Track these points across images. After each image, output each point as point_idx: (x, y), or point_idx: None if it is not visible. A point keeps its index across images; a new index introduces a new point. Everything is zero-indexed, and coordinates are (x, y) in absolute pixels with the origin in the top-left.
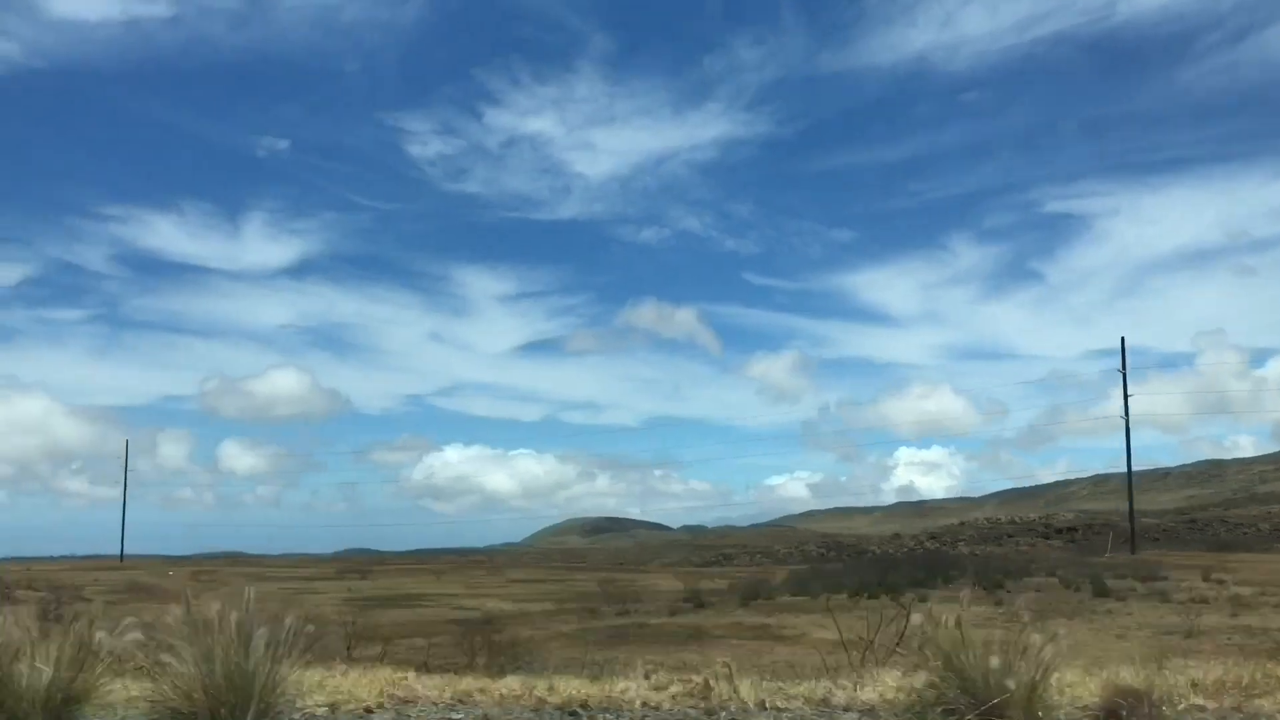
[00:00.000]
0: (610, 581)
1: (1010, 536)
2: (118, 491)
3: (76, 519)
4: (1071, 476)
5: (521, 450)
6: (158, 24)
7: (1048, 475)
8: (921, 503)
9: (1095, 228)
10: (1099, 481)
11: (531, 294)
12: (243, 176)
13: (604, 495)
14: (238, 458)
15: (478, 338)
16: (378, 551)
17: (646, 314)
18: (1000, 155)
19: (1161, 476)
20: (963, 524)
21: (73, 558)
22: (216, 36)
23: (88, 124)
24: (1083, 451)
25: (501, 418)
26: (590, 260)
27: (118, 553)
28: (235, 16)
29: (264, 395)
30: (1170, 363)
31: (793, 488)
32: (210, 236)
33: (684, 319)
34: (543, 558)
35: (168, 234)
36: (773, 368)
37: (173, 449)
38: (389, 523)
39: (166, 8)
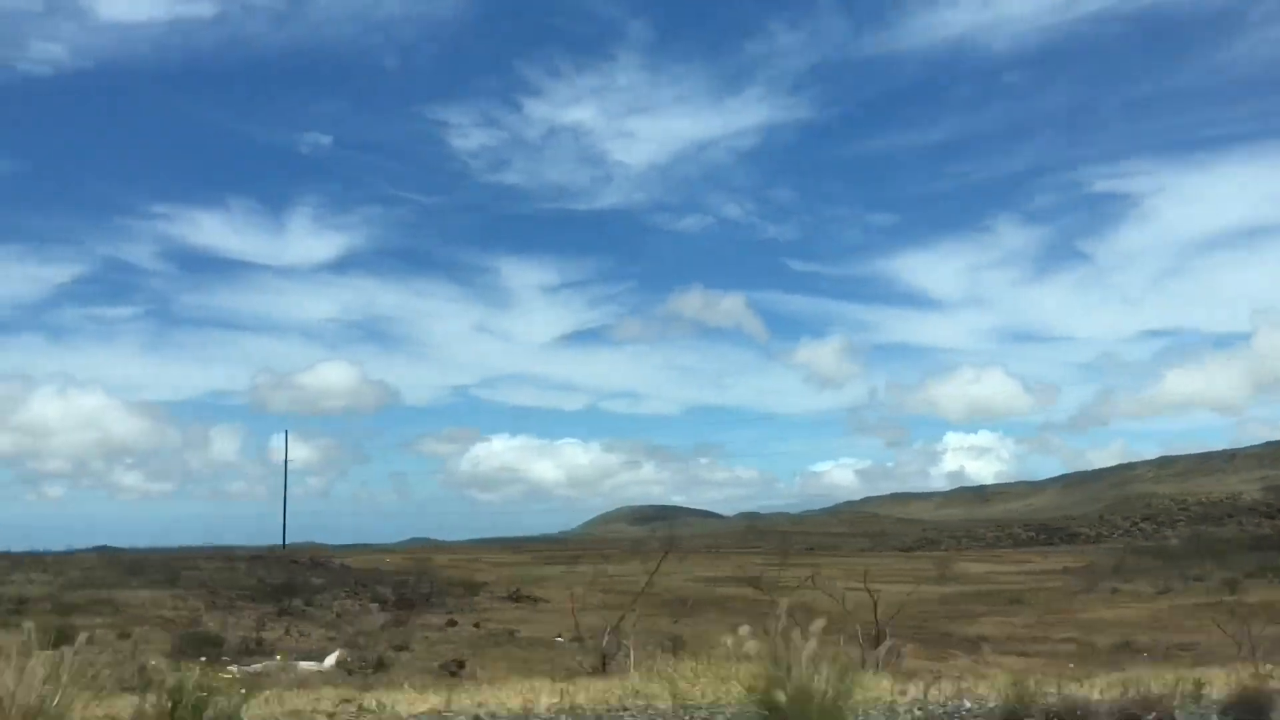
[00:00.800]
0: (945, 565)
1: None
2: (169, 485)
3: (130, 513)
4: (1136, 459)
5: (566, 440)
6: (200, 24)
7: (1099, 458)
8: (982, 488)
9: (1142, 207)
10: (1164, 464)
11: (573, 284)
12: (287, 173)
13: (649, 483)
14: (289, 451)
15: (520, 328)
16: (439, 541)
17: (688, 302)
18: (1044, 135)
19: (1230, 458)
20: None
21: (138, 550)
22: (258, 35)
23: (134, 123)
24: (1134, 434)
25: (545, 407)
26: (631, 249)
27: (180, 544)
28: (276, 15)
29: (313, 388)
30: (1223, 343)
31: (839, 474)
32: (256, 232)
33: (725, 306)
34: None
35: (214, 231)
36: (815, 354)
37: (224, 443)
38: (448, 512)
39: (209, 7)
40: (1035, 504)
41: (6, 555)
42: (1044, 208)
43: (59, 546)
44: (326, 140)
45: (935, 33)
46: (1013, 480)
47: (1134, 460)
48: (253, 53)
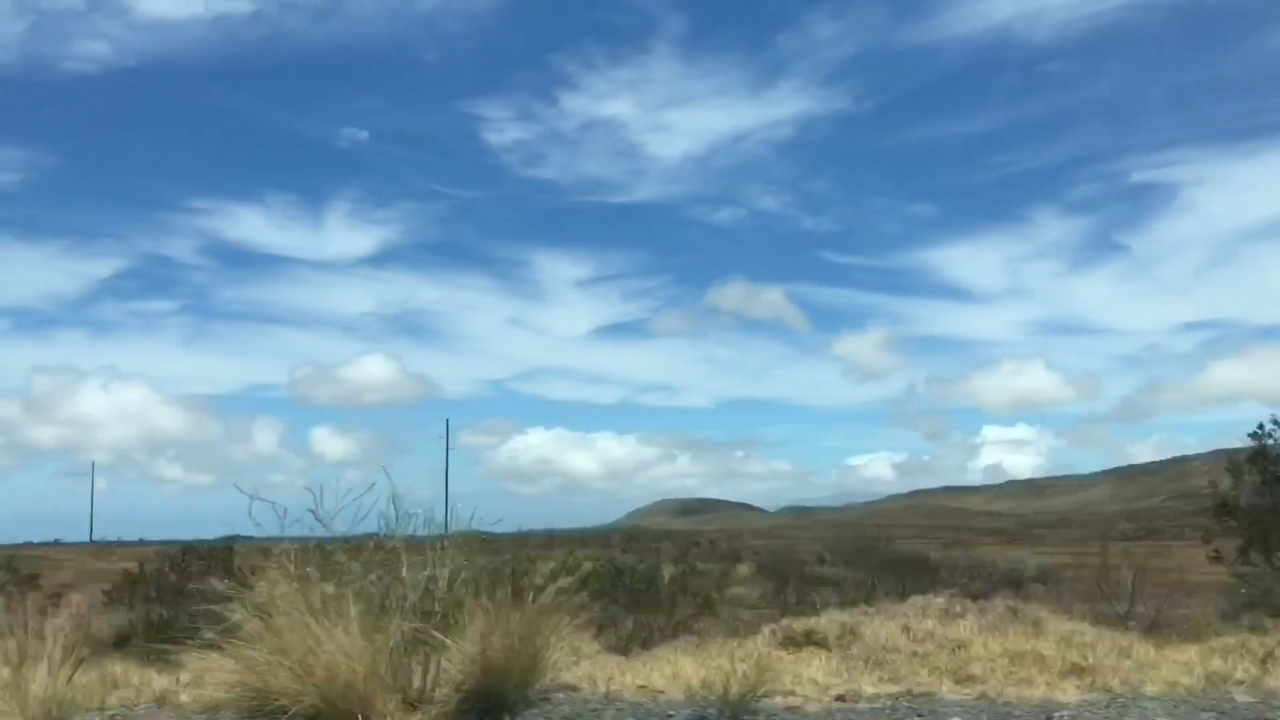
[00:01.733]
0: None
1: None
2: (209, 478)
3: (174, 504)
4: (1182, 453)
5: (602, 433)
6: (240, 20)
7: (1141, 452)
8: (1033, 481)
9: (1183, 197)
10: (1221, 457)
11: (607, 277)
12: (325, 167)
13: (684, 476)
14: (328, 443)
15: (555, 322)
16: (486, 534)
17: (723, 295)
18: (1084, 125)
19: None
20: None
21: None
22: (298, 30)
23: (176, 120)
24: (1177, 426)
25: (580, 401)
26: (666, 242)
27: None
28: (315, 10)
29: (352, 382)
30: (1269, 334)
31: (877, 468)
32: (294, 227)
33: (761, 299)
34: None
35: (253, 225)
36: (851, 346)
37: (266, 436)
38: (490, 506)
39: (249, 4)
40: (1089, 498)
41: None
42: (1085, 198)
43: (110, 537)
44: (364, 135)
45: (976, 22)
46: (1058, 474)
47: (1185, 454)
48: (291, 49)
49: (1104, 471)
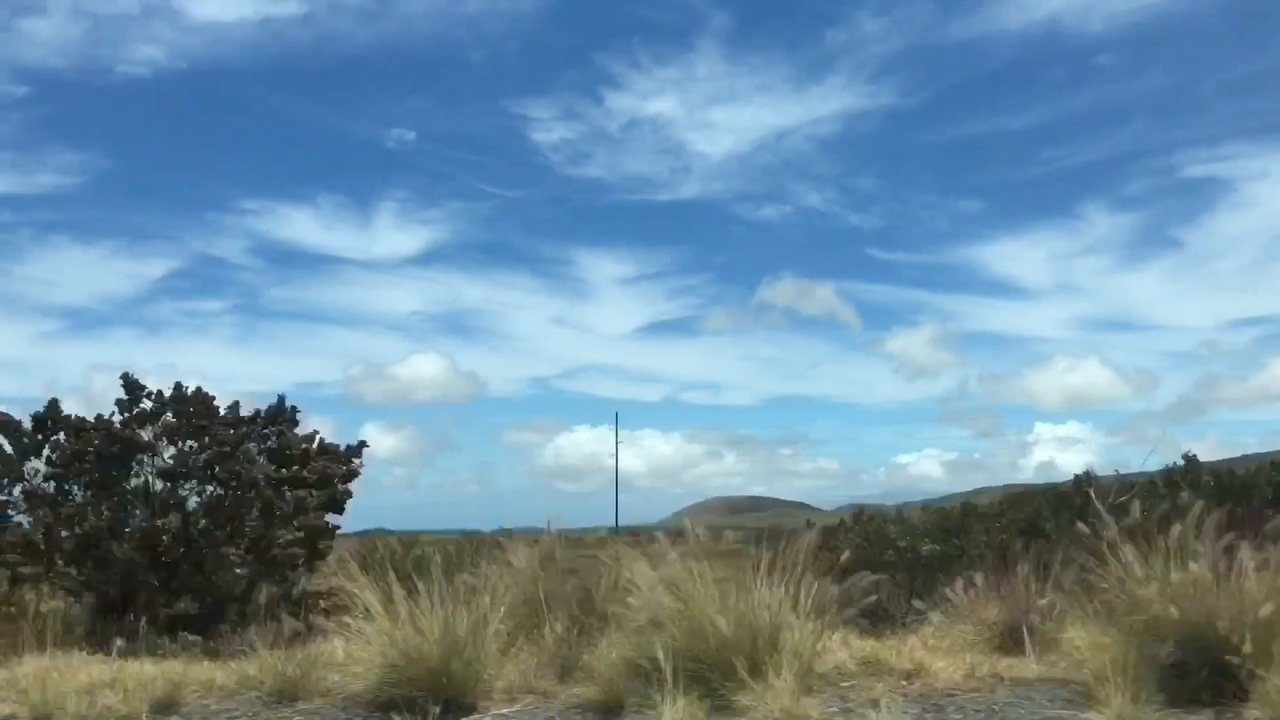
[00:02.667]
0: None
1: None
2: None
3: None
4: (1250, 451)
5: (646, 430)
6: (290, 22)
7: (1197, 450)
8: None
9: (1240, 191)
10: None
11: (652, 275)
12: (373, 168)
13: (730, 474)
14: (378, 440)
15: (600, 320)
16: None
17: (769, 292)
18: (1137, 119)
19: None
20: None
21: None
22: (346, 32)
23: (226, 122)
24: (1234, 424)
25: (625, 399)
26: (710, 240)
27: None
28: (363, 12)
29: (400, 380)
30: None
31: (925, 465)
32: (343, 227)
33: (806, 297)
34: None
35: (302, 226)
36: (900, 344)
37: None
38: (539, 503)
39: (298, 6)
40: None
41: None
42: (1136, 193)
43: None
44: (411, 136)
45: (1025, 16)
46: (1125, 472)
47: (1247, 453)
48: (340, 51)
49: (1167, 469)
